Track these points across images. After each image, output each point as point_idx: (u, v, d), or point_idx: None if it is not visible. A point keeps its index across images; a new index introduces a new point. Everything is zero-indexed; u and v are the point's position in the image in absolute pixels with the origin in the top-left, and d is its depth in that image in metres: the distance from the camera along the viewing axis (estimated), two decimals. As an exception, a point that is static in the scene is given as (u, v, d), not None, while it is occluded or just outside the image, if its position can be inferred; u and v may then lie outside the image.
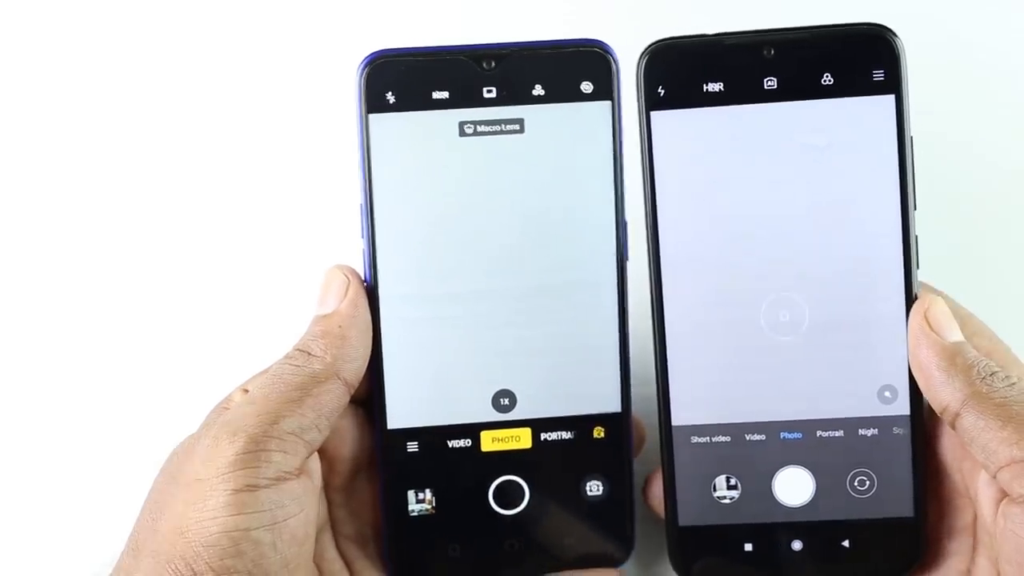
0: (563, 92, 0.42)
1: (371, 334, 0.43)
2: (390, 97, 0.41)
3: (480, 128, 0.42)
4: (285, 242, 0.53)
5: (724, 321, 0.42)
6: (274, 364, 0.42)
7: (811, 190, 0.41)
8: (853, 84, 0.40)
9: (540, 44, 0.42)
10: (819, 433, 0.42)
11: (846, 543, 0.43)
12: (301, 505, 0.40)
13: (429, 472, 0.44)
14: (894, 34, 0.40)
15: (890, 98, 0.40)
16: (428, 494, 0.44)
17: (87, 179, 0.54)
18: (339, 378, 0.41)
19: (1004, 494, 0.39)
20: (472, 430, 0.44)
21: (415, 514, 0.44)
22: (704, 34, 0.41)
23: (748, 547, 0.43)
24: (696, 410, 0.43)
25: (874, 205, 0.41)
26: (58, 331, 0.54)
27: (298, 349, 0.42)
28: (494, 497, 0.44)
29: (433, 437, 0.44)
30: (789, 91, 0.41)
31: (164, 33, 0.55)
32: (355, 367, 0.42)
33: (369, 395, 0.44)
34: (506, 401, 0.43)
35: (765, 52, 0.41)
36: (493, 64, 0.42)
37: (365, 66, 0.42)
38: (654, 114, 0.41)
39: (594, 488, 0.44)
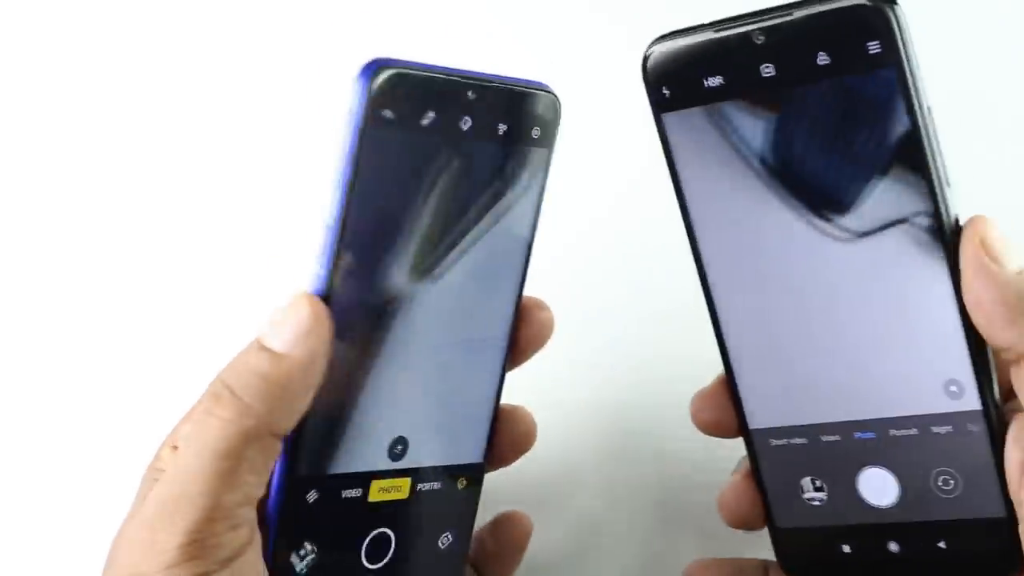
0: (518, 135, 0.41)
1: (317, 387, 0.37)
2: (388, 114, 0.37)
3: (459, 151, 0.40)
4: (282, 242, 0.52)
5: (784, 321, 0.41)
6: (200, 405, 0.36)
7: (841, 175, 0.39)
8: (850, 61, 0.37)
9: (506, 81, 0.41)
10: (892, 432, 0.40)
11: (942, 544, 0.40)
12: (257, 570, 0.36)
13: (319, 525, 0.39)
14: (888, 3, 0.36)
15: (890, 71, 0.37)
16: (313, 548, 0.39)
17: (88, 184, 0.55)
18: (272, 433, 0.36)
19: None
20: (365, 479, 0.40)
21: (299, 571, 0.39)
22: (697, 25, 0.39)
23: (845, 549, 0.42)
24: (770, 412, 0.42)
25: (902, 184, 0.38)
26: (57, 332, 0.54)
27: (229, 390, 0.35)
28: (366, 550, 0.41)
29: (331, 486, 0.39)
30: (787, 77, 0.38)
31: (159, 36, 0.56)
32: (292, 421, 0.36)
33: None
34: (399, 449, 0.41)
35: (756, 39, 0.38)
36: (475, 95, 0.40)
37: (371, 75, 0.37)
38: (666, 116, 0.40)
39: (445, 539, 0.43)
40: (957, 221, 0.37)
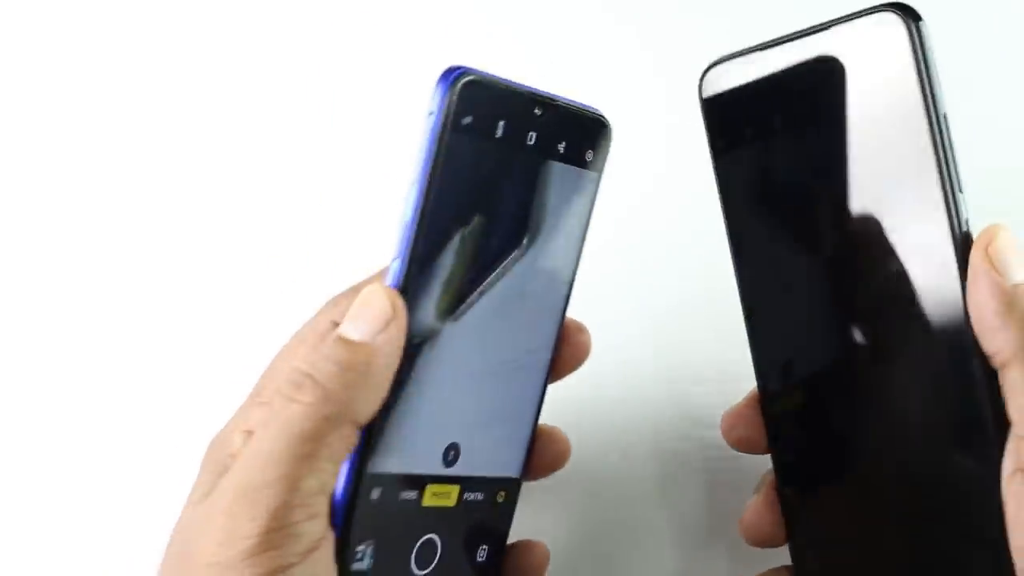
0: (574, 156, 0.43)
1: (393, 378, 0.38)
2: (467, 119, 0.39)
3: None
4: (288, 243, 0.52)
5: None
6: (277, 393, 0.36)
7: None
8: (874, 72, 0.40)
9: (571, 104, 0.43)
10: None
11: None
12: (331, 569, 0.36)
13: (378, 524, 0.40)
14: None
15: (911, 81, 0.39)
16: (371, 549, 0.40)
17: (92, 185, 0.55)
18: (352, 421, 0.37)
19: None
20: (421, 482, 0.41)
21: (355, 570, 0.39)
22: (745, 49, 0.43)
23: None
24: None
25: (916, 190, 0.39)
26: (57, 332, 0.53)
27: (309, 376, 0.36)
28: (415, 556, 0.41)
29: (393, 486, 0.40)
30: None
31: (164, 35, 0.56)
32: (370, 411, 0.37)
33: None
34: (452, 455, 0.42)
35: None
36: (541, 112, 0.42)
37: (453, 80, 0.39)
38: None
39: (482, 553, 0.44)
40: (967, 224, 0.39)
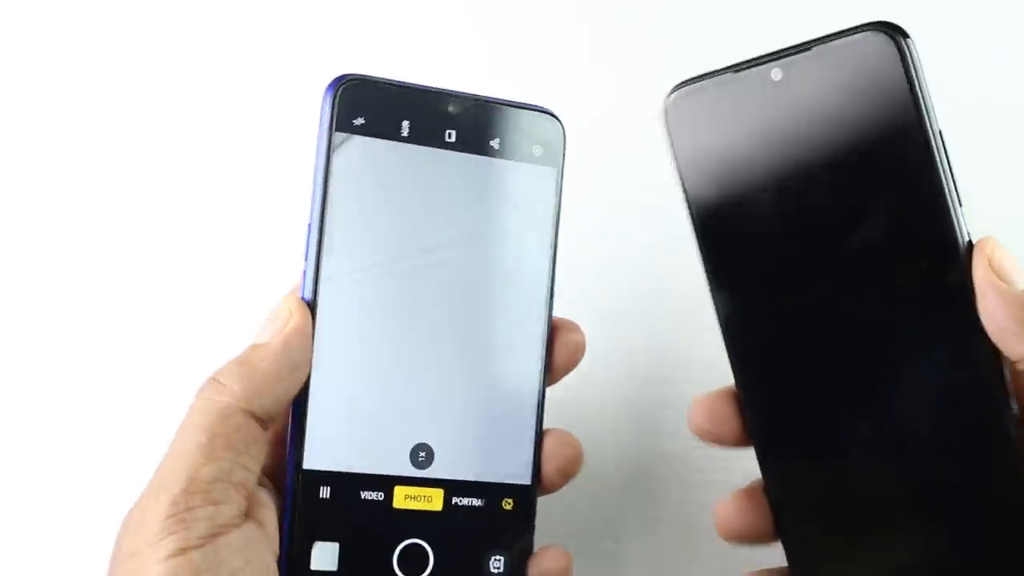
0: (517, 151, 0.44)
1: (300, 374, 0.40)
2: (359, 120, 0.41)
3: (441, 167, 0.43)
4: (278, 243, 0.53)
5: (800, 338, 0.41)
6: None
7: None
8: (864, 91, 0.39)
9: (500, 101, 0.44)
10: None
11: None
12: (246, 557, 0.37)
13: (337, 524, 0.40)
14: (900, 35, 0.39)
15: (903, 98, 0.38)
16: (333, 549, 0.40)
17: (76, 182, 0.55)
18: (248, 412, 0.38)
19: None
20: (387, 483, 0.41)
21: (316, 569, 0.40)
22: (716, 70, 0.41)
23: None
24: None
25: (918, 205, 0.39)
26: (54, 332, 0.54)
27: (212, 378, 0.39)
28: (398, 560, 0.41)
29: (348, 485, 0.40)
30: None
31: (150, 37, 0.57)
32: (267, 404, 0.39)
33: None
34: (423, 456, 0.42)
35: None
36: (457, 109, 0.43)
37: (337, 85, 0.41)
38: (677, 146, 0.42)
39: (496, 565, 0.42)
40: (970, 240, 0.38)
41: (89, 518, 0.52)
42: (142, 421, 0.53)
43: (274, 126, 0.56)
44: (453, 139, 0.43)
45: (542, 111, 0.44)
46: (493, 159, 0.43)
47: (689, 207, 0.41)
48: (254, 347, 0.40)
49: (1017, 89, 0.56)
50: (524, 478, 0.43)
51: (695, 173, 0.41)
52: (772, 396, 0.41)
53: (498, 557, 0.42)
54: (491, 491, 0.42)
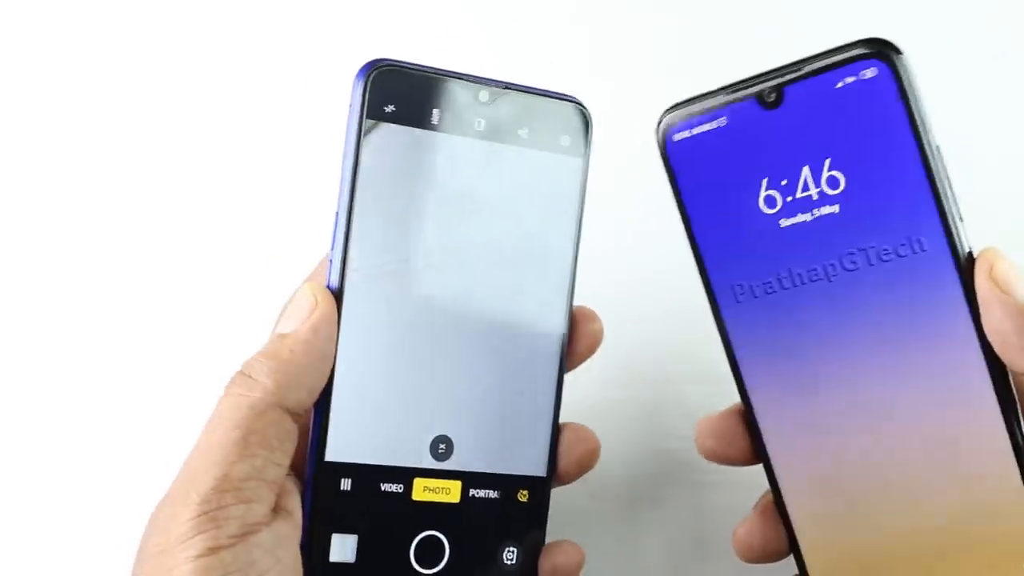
0: (545, 141, 0.43)
1: (329, 364, 0.39)
2: (389, 107, 0.41)
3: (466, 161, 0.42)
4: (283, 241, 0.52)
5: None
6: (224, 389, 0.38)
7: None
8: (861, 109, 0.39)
9: (530, 89, 0.43)
10: None
11: None
12: (276, 556, 0.36)
13: (356, 516, 0.40)
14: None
15: (900, 115, 0.39)
16: (352, 541, 0.40)
17: (78, 181, 0.55)
18: (282, 407, 0.38)
19: None
20: (407, 475, 0.41)
21: (335, 561, 0.40)
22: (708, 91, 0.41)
23: None
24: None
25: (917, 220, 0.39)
26: (49, 333, 0.54)
27: (241, 372, 0.38)
28: (415, 552, 0.41)
29: (368, 477, 0.40)
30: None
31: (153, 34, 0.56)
32: (301, 397, 0.38)
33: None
34: (443, 448, 0.41)
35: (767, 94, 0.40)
36: (487, 97, 0.42)
37: (369, 71, 0.40)
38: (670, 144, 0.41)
39: (509, 556, 0.42)
40: (971, 253, 0.38)
41: (100, 516, 0.52)
42: (153, 420, 0.53)
43: (283, 116, 0.56)
44: (482, 128, 0.42)
45: (571, 100, 0.43)
46: (521, 148, 0.42)
47: (689, 230, 0.41)
48: (281, 337, 0.39)
49: (1014, 97, 0.56)
50: (540, 470, 0.43)
51: (695, 200, 0.41)
52: (780, 410, 0.41)
53: (511, 549, 0.42)
54: (507, 483, 0.42)
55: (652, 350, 0.54)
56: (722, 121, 0.40)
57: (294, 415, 0.38)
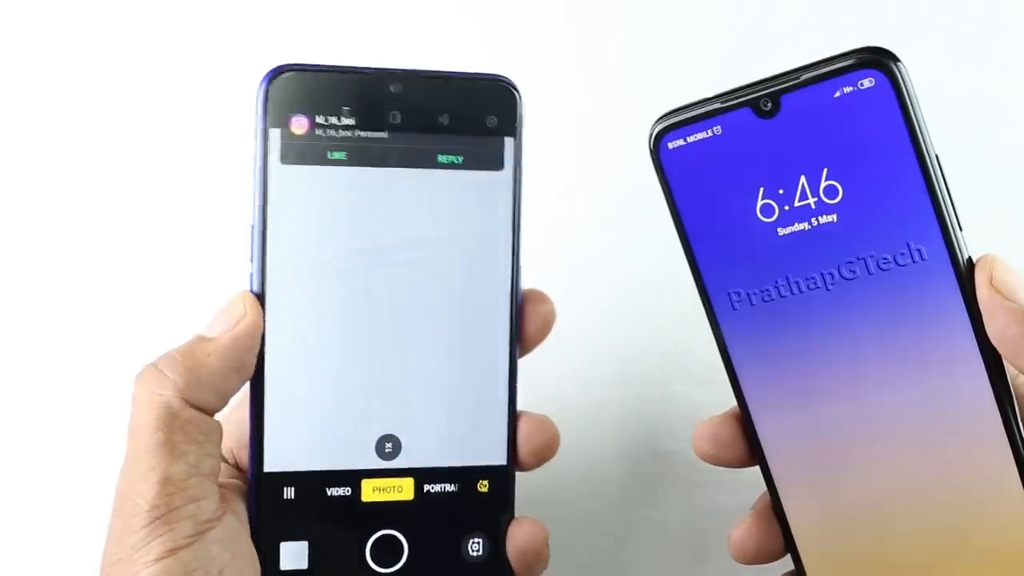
0: (467, 125, 0.42)
1: (245, 374, 0.40)
2: (296, 112, 0.40)
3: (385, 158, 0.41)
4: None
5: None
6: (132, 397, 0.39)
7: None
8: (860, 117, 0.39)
9: (446, 74, 0.42)
10: None
11: None
12: (232, 550, 0.37)
13: (305, 523, 0.40)
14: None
15: (898, 123, 0.38)
16: (303, 547, 0.40)
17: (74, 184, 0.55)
18: (193, 406, 0.38)
19: None
20: (353, 477, 0.41)
21: (287, 569, 0.40)
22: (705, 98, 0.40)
23: None
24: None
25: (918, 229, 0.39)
26: (36, 334, 0.54)
27: (152, 365, 0.38)
28: (371, 553, 0.41)
29: (312, 483, 0.40)
30: None
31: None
32: (210, 399, 0.38)
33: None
34: (390, 447, 0.41)
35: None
36: (400, 88, 0.41)
37: (271, 78, 0.40)
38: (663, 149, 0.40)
39: (475, 547, 0.42)
40: (970, 261, 0.38)
41: (84, 519, 0.52)
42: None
43: (220, 119, 0.55)
44: (399, 120, 0.41)
45: (494, 78, 0.42)
46: (444, 135, 0.41)
47: (684, 238, 0.41)
48: (201, 339, 0.39)
49: (1012, 105, 0.55)
50: (499, 458, 0.42)
51: (690, 208, 0.40)
52: (777, 417, 0.41)
53: (476, 540, 0.42)
54: (464, 475, 0.42)
55: (652, 351, 0.53)
56: (717, 129, 0.39)
57: (209, 412, 0.38)
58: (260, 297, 0.40)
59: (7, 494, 0.53)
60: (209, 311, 0.40)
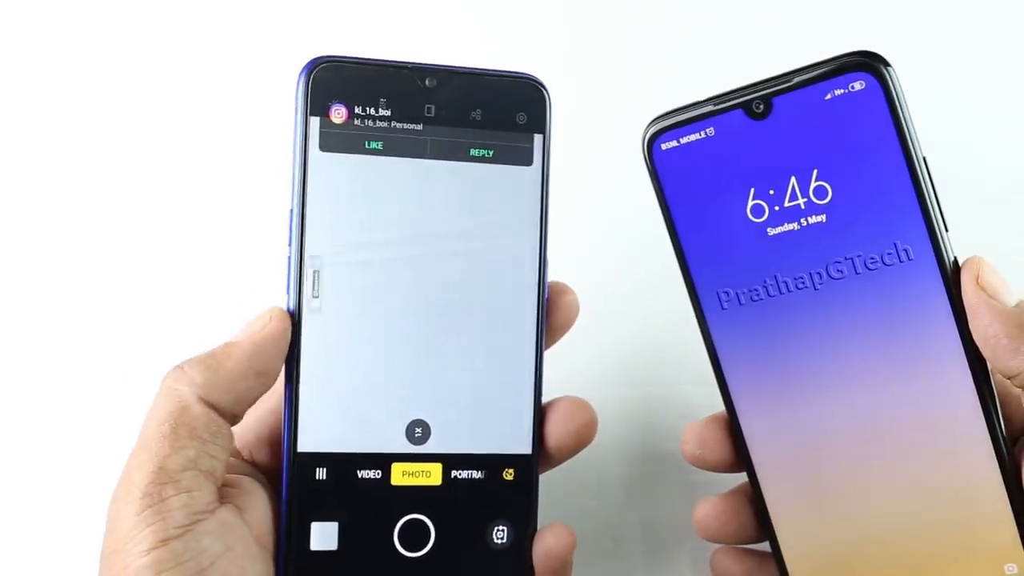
0: (499, 121, 0.43)
1: (269, 380, 0.40)
2: (335, 103, 0.41)
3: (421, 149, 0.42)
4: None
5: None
6: None
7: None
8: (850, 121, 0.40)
9: (479, 71, 0.43)
10: None
11: None
12: (226, 542, 0.37)
13: (335, 504, 0.41)
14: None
15: (888, 126, 0.40)
16: (332, 528, 0.41)
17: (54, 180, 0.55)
18: (207, 403, 0.38)
19: None
20: (383, 461, 0.41)
21: (316, 549, 0.41)
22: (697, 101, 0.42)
23: None
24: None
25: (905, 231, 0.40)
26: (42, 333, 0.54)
27: (177, 365, 0.39)
28: (399, 537, 0.41)
29: (343, 465, 0.41)
30: None
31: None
32: (226, 401, 0.39)
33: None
34: (419, 432, 0.42)
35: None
36: (434, 83, 0.42)
37: (311, 69, 0.41)
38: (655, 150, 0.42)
39: (499, 534, 0.42)
40: (956, 261, 0.40)
41: (85, 516, 0.52)
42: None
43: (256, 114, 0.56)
44: (433, 114, 0.42)
45: (524, 78, 0.43)
46: (476, 130, 0.43)
47: (674, 238, 0.42)
48: (226, 343, 0.40)
49: (998, 108, 0.57)
50: (524, 447, 0.43)
51: (681, 208, 0.42)
52: (763, 415, 0.42)
53: (501, 527, 0.42)
54: (491, 462, 0.43)
55: (652, 350, 0.54)
56: (710, 131, 0.41)
57: (222, 413, 0.39)
58: (298, 283, 0.41)
59: (27, 493, 0.53)
60: (246, 310, 0.41)
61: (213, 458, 0.38)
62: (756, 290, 0.41)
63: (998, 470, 0.40)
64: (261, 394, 0.40)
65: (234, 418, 0.40)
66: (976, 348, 0.39)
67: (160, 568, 0.35)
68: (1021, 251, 0.52)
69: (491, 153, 0.43)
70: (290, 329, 0.41)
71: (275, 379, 0.40)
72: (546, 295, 0.43)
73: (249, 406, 0.40)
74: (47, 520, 0.53)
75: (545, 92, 0.43)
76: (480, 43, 0.58)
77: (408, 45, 0.55)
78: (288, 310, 0.41)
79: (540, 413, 0.43)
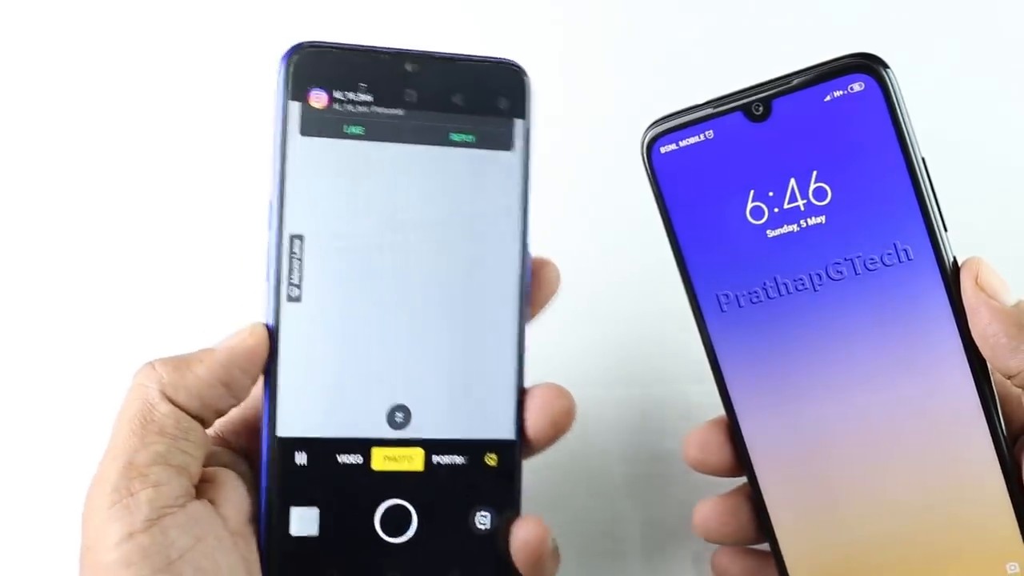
0: (479, 106, 0.43)
1: (240, 393, 0.40)
2: (316, 89, 0.41)
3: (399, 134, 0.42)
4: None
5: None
6: None
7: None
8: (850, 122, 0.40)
9: (460, 56, 0.43)
10: None
11: None
12: (195, 534, 0.37)
13: (315, 489, 0.41)
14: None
15: (887, 127, 0.40)
16: (313, 514, 0.41)
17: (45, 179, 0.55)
18: (173, 402, 0.38)
19: None
20: (364, 446, 0.41)
21: (297, 535, 0.40)
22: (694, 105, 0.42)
23: None
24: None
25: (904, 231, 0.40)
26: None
27: (149, 362, 0.39)
28: (380, 522, 0.41)
29: (323, 450, 0.41)
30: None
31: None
32: (194, 404, 0.39)
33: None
34: (400, 417, 0.42)
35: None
36: (415, 68, 0.42)
37: (291, 55, 0.41)
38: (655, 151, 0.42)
39: (482, 520, 0.42)
40: (955, 262, 0.40)
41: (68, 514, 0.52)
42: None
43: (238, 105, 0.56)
44: (414, 99, 0.42)
45: (504, 63, 0.43)
46: (456, 115, 0.43)
47: (673, 240, 0.42)
48: (203, 349, 0.40)
49: (996, 109, 0.57)
50: (507, 433, 0.43)
51: (680, 211, 0.42)
52: (763, 417, 0.42)
53: (484, 513, 0.42)
54: (473, 447, 0.42)
55: (651, 349, 0.54)
56: (709, 134, 0.41)
57: (192, 416, 0.39)
58: (277, 268, 0.41)
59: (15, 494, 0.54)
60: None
61: (185, 453, 0.38)
62: (756, 292, 0.41)
63: (999, 470, 0.39)
64: (230, 406, 0.40)
65: (203, 422, 0.39)
66: (976, 348, 0.39)
67: (129, 561, 0.35)
68: (1021, 251, 0.51)
69: (472, 138, 0.43)
70: (267, 347, 0.40)
71: (244, 395, 0.40)
72: (528, 279, 0.43)
73: (218, 415, 0.40)
74: (34, 519, 0.53)
75: (525, 77, 0.43)
76: (481, 43, 0.57)
77: (403, 42, 0.55)
78: (268, 296, 0.41)
79: (523, 399, 0.43)
